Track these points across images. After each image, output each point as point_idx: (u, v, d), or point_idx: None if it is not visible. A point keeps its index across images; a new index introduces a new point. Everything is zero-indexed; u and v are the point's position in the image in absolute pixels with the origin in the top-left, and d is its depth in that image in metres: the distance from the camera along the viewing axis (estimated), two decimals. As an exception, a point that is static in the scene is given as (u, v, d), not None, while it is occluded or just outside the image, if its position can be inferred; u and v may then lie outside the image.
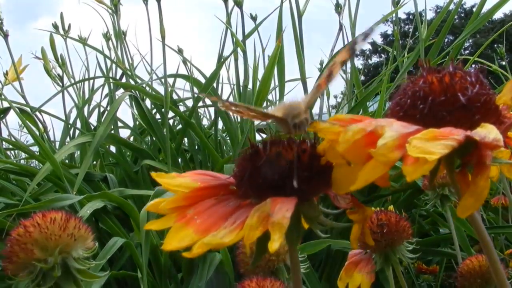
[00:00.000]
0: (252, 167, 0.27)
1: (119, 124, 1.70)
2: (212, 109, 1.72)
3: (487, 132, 0.25)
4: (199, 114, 2.10)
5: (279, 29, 1.26)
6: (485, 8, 1.42)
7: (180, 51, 2.16)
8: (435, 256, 1.37)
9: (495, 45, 2.54)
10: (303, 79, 1.23)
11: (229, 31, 1.58)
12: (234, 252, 1.22)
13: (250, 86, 1.48)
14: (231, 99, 1.72)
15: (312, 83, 1.20)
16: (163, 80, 1.84)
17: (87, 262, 0.38)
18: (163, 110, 1.40)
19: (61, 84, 1.72)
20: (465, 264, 0.60)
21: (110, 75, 1.94)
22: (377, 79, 1.65)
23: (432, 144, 0.24)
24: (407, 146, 0.23)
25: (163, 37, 1.37)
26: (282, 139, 0.29)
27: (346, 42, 1.52)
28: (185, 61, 2.10)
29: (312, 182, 0.26)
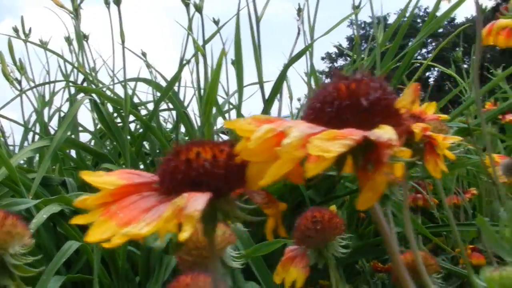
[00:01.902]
0: (173, 165, 0.29)
1: (80, 128, 1.70)
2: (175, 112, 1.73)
3: (383, 132, 0.27)
4: (164, 118, 2.11)
5: (237, 35, 1.28)
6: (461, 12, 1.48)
7: (143, 55, 2.17)
8: (377, 254, 1.41)
9: (457, 49, 2.62)
10: (261, 83, 1.26)
11: (189, 34, 1.59)
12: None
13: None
14: (194, 102, 1.73)
15: (271, 86, 1.22)
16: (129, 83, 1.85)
17: (23, 258, 0.39)
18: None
19: (19, 88, 1.71)
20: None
21: (72, 79, 1.93)
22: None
23: (331, 143, 0.26)
24: (307, 145, 0.26)
25: (123, 41, 1.38)
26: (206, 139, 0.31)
27: (305, 45, 1.54)
28: (148, 65, 2.11)
29: (227, 179, 0.29)
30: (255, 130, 0.28)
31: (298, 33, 1.45)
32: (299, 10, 1.73)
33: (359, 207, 0.28)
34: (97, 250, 0.96)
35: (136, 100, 1.82)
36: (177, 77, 1.47)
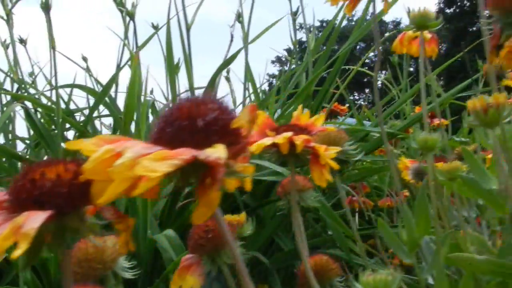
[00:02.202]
0: (20, 185, 0.30)
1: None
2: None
3: (213, 152, 0.29)
4: (105, 124, 2.09)
5: (168, 42, 1.29)
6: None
7: (84, 59, 2.15)
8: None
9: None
10: (191, 89, 1.27)
11: (126, 40, 1.59)
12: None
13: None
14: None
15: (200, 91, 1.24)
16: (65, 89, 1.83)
17: None
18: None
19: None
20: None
21: (9, 86, 1.90)
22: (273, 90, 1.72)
23: (159, 164, 0.28)
24: (135, 166, 0.28)
25: (53, 47, 1.37)
26: (63, 158, 0.32)
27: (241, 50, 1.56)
28: (88, 70, 2.09)
29: (71, 197, 0.30)
30: (95, 151, 0.29)
31: (232, 40, 1.48)
32: (239, 16, 1.76)
33: (194, 222, 0.30)
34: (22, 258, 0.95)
35: (73, 106, 1.80)
36: (111, 83, 1.46)
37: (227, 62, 1.26)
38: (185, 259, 0.54)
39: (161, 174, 0.27)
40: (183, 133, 0.31)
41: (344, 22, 1.69)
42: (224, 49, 1.52)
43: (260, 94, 1.85)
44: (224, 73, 2.14)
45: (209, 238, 0.52)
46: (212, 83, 1.21)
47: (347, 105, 1.99)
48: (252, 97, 1.71)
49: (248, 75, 1.66)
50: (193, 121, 0.30)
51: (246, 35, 1.52)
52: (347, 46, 1.40)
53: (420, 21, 0.71)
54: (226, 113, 0.31)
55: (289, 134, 0.50)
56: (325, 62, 1.50)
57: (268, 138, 0.51)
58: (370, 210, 1.57)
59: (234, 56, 1.27)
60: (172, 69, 1.29)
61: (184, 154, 0.28)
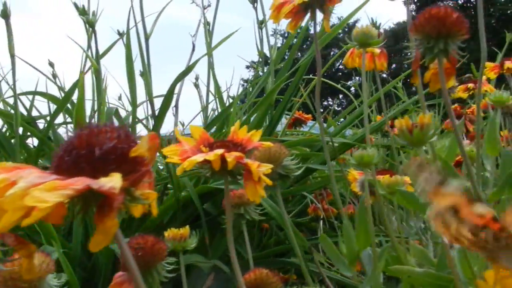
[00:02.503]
0: None
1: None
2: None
3: (108, 181, 0.29)
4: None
5: (128, 52, 1.29)
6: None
7: (51, 65, 2.13)
8: (278, 265, 1.45)
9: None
10: (150, 100, 1.27)
11: (89, 48, 1.58)
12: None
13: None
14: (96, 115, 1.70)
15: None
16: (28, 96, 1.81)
17: None
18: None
19: None
20: (245, 278, 0.66)
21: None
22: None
23: (49, 194, 0.28)
24: (26, 196, 0.28)
25: (12, 55, 1.36)
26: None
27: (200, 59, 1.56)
28: (55, 76, 2.07)
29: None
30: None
31: (193, 49, 1.48)
32: (207, 24, 1.76)
33: (91, 249, 0.30)
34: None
35: (37, 113, 1.78)
36: (73, 90, 1.45)
37: (186, 71, 1.26)
38: (117, 275, 0.54)
39: (51, 205, 0.27)
40: (81, 162, 0.31)
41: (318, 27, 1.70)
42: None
43: (228, 100, 1.86)
44: (192, 79, 2.15)
45: (139, 256, 0.52)
46: (171, 92, 1.21)
47: (328, 110, 2.01)
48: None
49: (214, 82, 1.67)
50: (91, 150, 0.31)
51: (209, 43, 1.52)
52: (308, 56, 1.42)
53: (362, 39, 0.72)
54: (125, 141, 0.32)
55: (220, 151, 0.51)
56: (287, 72, 1.51)
57: (201, 154, 0.51)
58: (333, 217, 1.59)
59: (193, 65, 1.28)
60: (132, 78, 1.29)
61: (77, 184, 0.29)
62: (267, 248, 1.64)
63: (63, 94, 1.69)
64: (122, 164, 0.31)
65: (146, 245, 0.53)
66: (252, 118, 1.53)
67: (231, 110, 1.40)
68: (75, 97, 1.66)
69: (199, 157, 0.50)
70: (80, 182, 0.29)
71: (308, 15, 0.69)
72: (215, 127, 1.61)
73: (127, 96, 1.81)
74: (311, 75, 1.82)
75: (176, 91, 1.42)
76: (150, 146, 0.32)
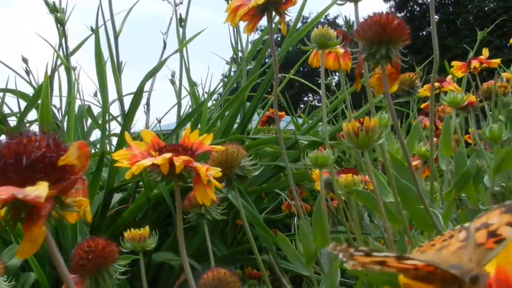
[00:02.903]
0: None
1: None
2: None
3: (33, 190, 0.30)
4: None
5: (97, 50, 1.28)
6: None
7: (24, 61, 2.11)
8: (252, 262, 1.46)
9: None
10: (120, 98, 1.27)
11: (60, 45, 1.57)
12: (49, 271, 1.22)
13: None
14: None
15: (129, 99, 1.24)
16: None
17: None
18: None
19: None
20: (203, 278, 0.67)
21: None
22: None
23: (-28, 204, 0.28)
24: None
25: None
26: None
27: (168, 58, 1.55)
28: (28, 72, 2.05)
29: None
30: None
31: (164, 47, 1.48)
32: (181, 21, 1.75)
33: (19, 257, 0.31)
34: None
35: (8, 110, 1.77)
36: (41, 88, 1.44)
37: (155, 70, 1.26)
38: (71, 278, 0.54)
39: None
40: (9, 171, 0.31)
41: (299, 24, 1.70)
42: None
43: (204, 96, 1.86)
44: (169, 76, 2.15)
45: (89, 258, 0.53)
46: (140, 91, 1.21)
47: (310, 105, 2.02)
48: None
49: (188, 78, 1.67)
50: (19, 159, 0.31)
51: (181, 40, 1.52)
52: (279, 54, 1.43)
53: (320, 41, 0.73)
54: (54, 150, 0.32)
55: (168, 155, 0.51)
56: (258, 69, 1.52)
57: (149, 158, 0.52)
58: (306, 214, 1.60)
59: (161, 64, 1.28)
60: (102, 77, 1.28)
61: (2, 193, 0.29)
62: (242, 245, 1.65)
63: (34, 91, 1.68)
64: (50, 172, 0.32)
65: (97, 248, 0.53)
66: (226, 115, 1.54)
67: (204, 105, 1.40)
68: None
69: (148, 162, 0.50)
70: (5, 192, 0.29)
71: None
72: (189, 123, 1.62)
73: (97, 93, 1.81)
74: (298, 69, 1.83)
75: (147, 88, 1.42)
76: (80, 154, 0.32)
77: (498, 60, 1.28)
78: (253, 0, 0.66)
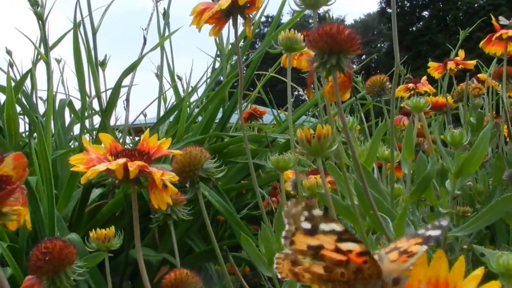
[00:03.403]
0: None
1: None
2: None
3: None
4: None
5: (75, 46, 1.29)
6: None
7: (8, 53, 2.10)
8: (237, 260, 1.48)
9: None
10: (97, 94, 1.28)
11: (42, 40, 1.57)
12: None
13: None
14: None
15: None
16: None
17: None
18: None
19: None
20: (165, 278, 0.69)
21: None
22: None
23: None
24: None
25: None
26: None
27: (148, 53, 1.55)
28: (11, 64, 2.05)
29: None
30: None
31: (144, 42, 1.48)
32: (164, 14, 1.75)
33: None
34: None
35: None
36: (23, 80, 1.44)
37: (133, 66, 1.27)
38: (27, 279, 0.55)
39: None
40: None
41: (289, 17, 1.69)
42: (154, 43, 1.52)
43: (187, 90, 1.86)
44: (154, 70, 2.15)
45: (46, 260, 0.53)
46: (118, 86, 1.22)
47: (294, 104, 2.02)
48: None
49: (170, 73, 1.67)
50: None
51: (162, 35, 1.53)
52: (258, 52, 1.43)
53: (287, 44, 0.74)
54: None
55: (122, 160, 0.52)
56: (237, 67, 1.52)
57: (104, 163, 0.52)
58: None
59: (139, 61, 1.28)
60: (80, 72, 1.29)
61: None
62: (222, 241, 1.66)
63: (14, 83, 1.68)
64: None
65: (54, 250, 0.54)
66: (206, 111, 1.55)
67: (184, 101, 1.40)
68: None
69: (102, 167, 0.51)
70: None
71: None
72: (172, 118, 1.62)
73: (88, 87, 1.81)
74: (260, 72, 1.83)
75: (127, 83, 1.43)
76: (16, 164, 0.33)
77: (473, 62, 1.29)
78: (217, 4, 0.67)
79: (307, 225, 0.30)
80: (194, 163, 0.68)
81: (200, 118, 1.59)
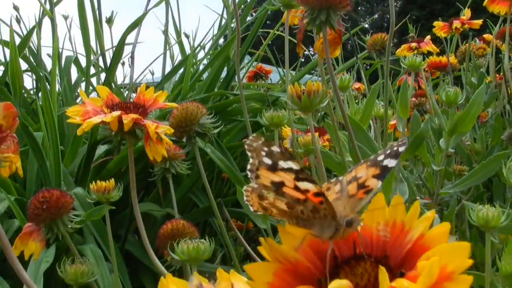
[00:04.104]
0: None
1: None
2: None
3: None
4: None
5: (79, 2, 1.29)
6: None
7: (16, 9, 2.10)
8: (235, 214, 1.50)
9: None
10: (102, 52, 1.28)
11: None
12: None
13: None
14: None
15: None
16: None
17: None
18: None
19: None
20: (162, 228, 0.71)
21: None
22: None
23: None
24: None
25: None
26: None
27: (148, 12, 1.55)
28: (18, 20, 2.05)
29: None
30: None
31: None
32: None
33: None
34: None
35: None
36: (27, 38, 1.45)
37: (136, 22, 1.27)
38: (27, 226, 0.58)
39: None
40: None
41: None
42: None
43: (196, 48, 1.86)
44: (161, 27, 2.14)
45: (44, 208, 0.56)
46: (121, 44, 1.22)
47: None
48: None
49: (175, 30, 1.67)
50: None
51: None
52: (262, 9, 1.43)
53: (284, 1, 0.74)
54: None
55: (117, 113, 0.53)
56: (244, 23, 1.52)
57: (99, 116, 0.54)
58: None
59: (144, 15, 1.28)
60: (84, 29, 1.29)
61: None
62: (226, 197, 1.69)
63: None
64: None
65: (51, 199, 0.56)
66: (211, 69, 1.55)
67: (189, 59, 1.41)
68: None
69: (97, 119, 0.52)
70: None
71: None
72: (178, 77, 1.63)
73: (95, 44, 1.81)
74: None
75: (132, 41, 1.43)
76: (6, 114, 0.35)
77: (479, 21, 1.28)
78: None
79: (268, 161, 0.30)
80: (191, 119, 0.70)
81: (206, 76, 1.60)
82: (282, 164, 0.30)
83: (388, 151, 0.34)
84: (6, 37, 1.75)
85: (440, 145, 0.77)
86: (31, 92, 1.79)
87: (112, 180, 0.79)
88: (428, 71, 1.61)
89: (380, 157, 0.34)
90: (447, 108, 0.85)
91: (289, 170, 0.30)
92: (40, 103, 1.38)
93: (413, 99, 1.19)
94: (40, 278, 0.95)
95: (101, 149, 1.54)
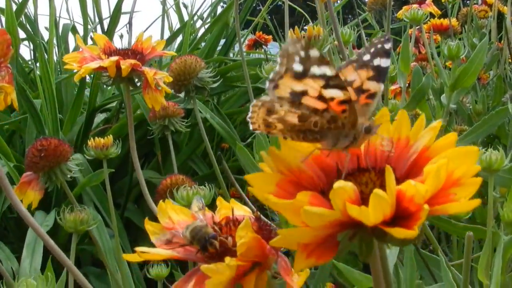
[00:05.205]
0: None
1: None
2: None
3: None
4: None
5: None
6: None
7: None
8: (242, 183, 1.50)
9: None
10: (100, 21, 1.27)
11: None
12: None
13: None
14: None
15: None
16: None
17: None
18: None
19: None
20: (161, 183, 0.71)
21: None
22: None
23: None
24: None
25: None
26: None
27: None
28: None
29: None
30: None
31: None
32: None
33: None
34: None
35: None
36: (23, 4, 1.43)
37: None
38: (25, 175, 0.57)
39: None
40: None
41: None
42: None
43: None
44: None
45: (42, 156, 0.55)
46: (117, 10, 1.21)
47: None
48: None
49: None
50: None
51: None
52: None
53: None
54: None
55: (115, 58, 0.53)
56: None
57: (97, 61, 0.53)
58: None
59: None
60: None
61: None
62: (227, 163, 1.68)
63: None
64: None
65: (49, 147, 0.56)
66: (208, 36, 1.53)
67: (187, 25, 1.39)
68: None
69: (95, 64, 0.52)
70: None
71: None
72: (176, 46, 1.61)
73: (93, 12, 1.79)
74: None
75: (129, 9, 1.41)
76: (0, 41, 0.34)
77: (482, -16, 1.26)
78: None
79: (298, 67, 0.28)
80: (189, 72, 0.69)
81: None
82: (315, 70, 0.28)
83: (373, 49, 0.32)
84: (1, 4, 1.74)
85: (441, 101, 0.76)
86: (29, 63, 1.78)
87: (111, 136, 0.78)
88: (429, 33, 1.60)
89: (366, 57, 0.32)
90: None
91: (320, 77, 0.28)
92: (38, 72, 1.36)
93: (414, 63, 1.18)
94: (40, 240, 0.96)
95: (100, 117, 1.53)
